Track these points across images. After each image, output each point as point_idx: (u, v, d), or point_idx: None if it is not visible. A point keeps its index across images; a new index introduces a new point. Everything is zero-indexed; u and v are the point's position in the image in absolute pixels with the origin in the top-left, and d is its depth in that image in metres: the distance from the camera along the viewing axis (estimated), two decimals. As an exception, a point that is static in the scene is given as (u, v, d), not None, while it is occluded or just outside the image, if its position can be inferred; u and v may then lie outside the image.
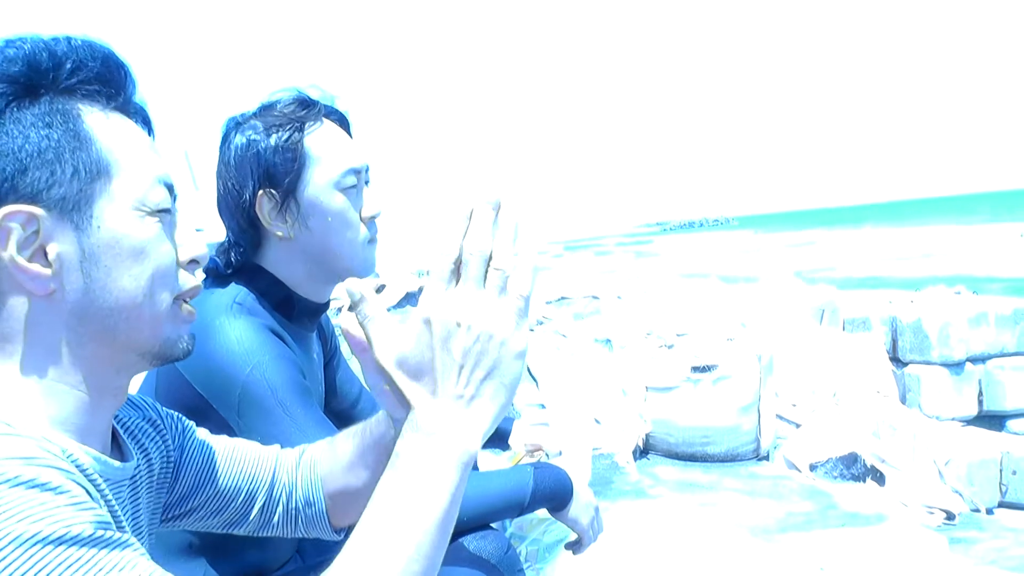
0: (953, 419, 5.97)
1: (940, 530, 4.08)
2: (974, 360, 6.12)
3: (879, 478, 4.70)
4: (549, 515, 1.64)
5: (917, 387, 6.09)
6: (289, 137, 1.43)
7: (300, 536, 1.11)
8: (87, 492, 0.68)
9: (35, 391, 0.77)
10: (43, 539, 0.61)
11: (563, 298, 6.29)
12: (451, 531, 0.76)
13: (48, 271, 0.76)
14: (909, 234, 45.59)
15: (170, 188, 0.85)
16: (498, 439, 1.89)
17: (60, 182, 0.76)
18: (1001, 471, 5.11)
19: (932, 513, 4.36)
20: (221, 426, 1.31)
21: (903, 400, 6.09)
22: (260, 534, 1.09)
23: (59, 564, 0.61)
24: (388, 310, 5.36)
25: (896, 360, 6.26)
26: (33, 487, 0.63)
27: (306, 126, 1.45)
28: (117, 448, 0.88)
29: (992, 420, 6.09)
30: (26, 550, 0.60)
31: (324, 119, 1.49)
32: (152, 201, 0.82)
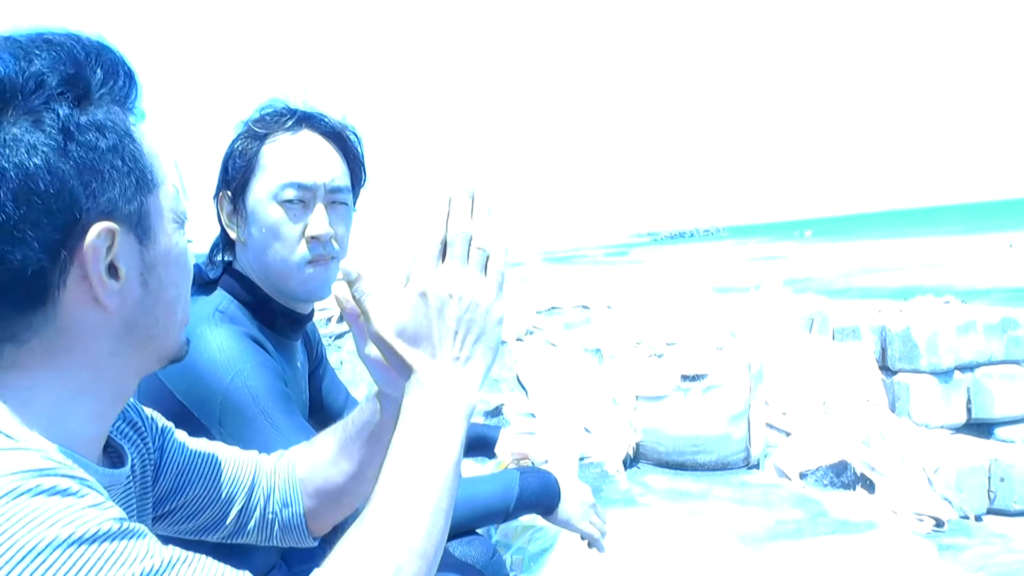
0: (942, 427, 6.00)
1: (929, 537, 4.08)
2: (962, 368, 6.15)
3: (869, 486, 4.71)
4: (536, 523, 1.64)
5: (906, 395, 6.11)
6: (248, 144, 1.44)
7: (276, 544, 1.10)
8: (99, 493, 0.69)
9: (57, 402, 0.75)
10: (77, 539, 0.62)
11: (553, 308, 6.29)
12: (459, 476, 0.83)
13: (117, 285, 0.76)
14: (898, 245, 45.78)
15: None
16: (485, 447, 1.88)
17: (130, 197, 0.76)
18: (989, 478, 5.13)
19: (922, 520, 4.36)
20: (203, 435, 1.31)
21: (892, 408, 6.11)
22: (234, 540, 1.09)
23: (97, 560, 0.62)
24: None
25: (885, 369, 6.28)
26: (55, 494, 0.64)
27: (271, 135, 1.44)
28: (106, 452, 0.88)
29: (980, 428, 6.12)
30: (64, 551, 0.61)
31: (308, 131, 1.46)
32: (180, 209, 0.84)
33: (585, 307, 6.29)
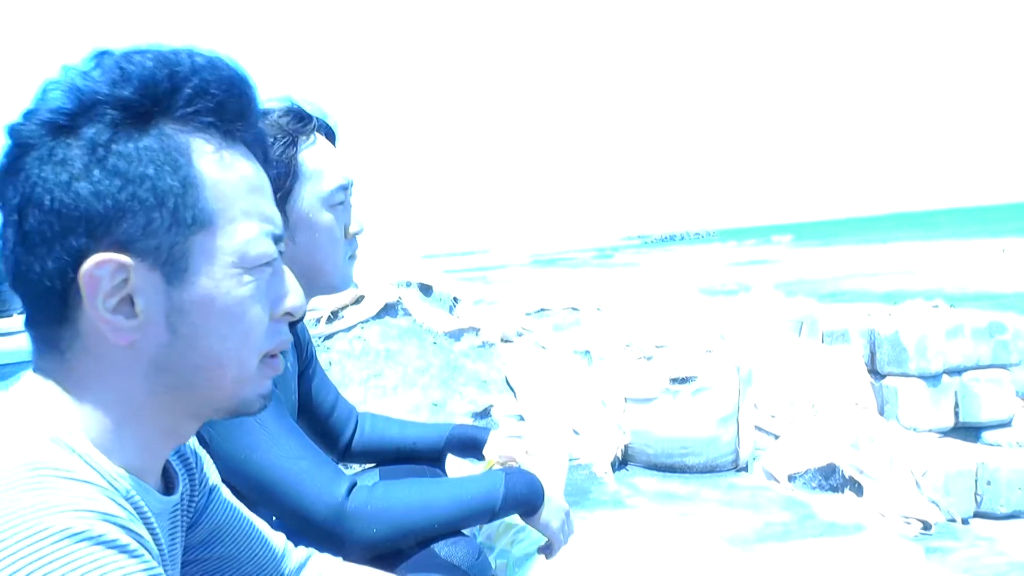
0: (930, 430, 6.03)
1: (917, 540, 4.10)
2: (951, 372, 6.19)
3: (857, 489, 4.72)
4: (519, 524, 1.64)
5: (895, 399, 6.14)
6: (283, 152, 1.42)
7: None
8: (150, 552, 0.67)
9: (106, 429, 0.74)
10: None
11: (543, 309, 6.30)
12: None
13: (132, 322, 0.72)
14: (890, 249, 45.95)
15: (277, 238, 0.80)
16: (473, 449, 1.88)
17: (156, 231, 0.71)
18: (976, 482, 5.15)
19: (909, 523, 4.38)
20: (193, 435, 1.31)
21: (881, 412, 6.13)
22: None
23: None
24: (368, 321, 5.35)
25: (874, 372, 6.31)
26: (112, 547, 0.62)
27: (300, 141, 1.45)
28: (164, 478, 0.86)
29: (968, 431, 6.15)
30: None
31: (316, 133, 1.49)
32: (252, 256, 0.77)
33: (574, 309, 6.30)
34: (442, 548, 1.40)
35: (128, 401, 0.75)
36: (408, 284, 5.83)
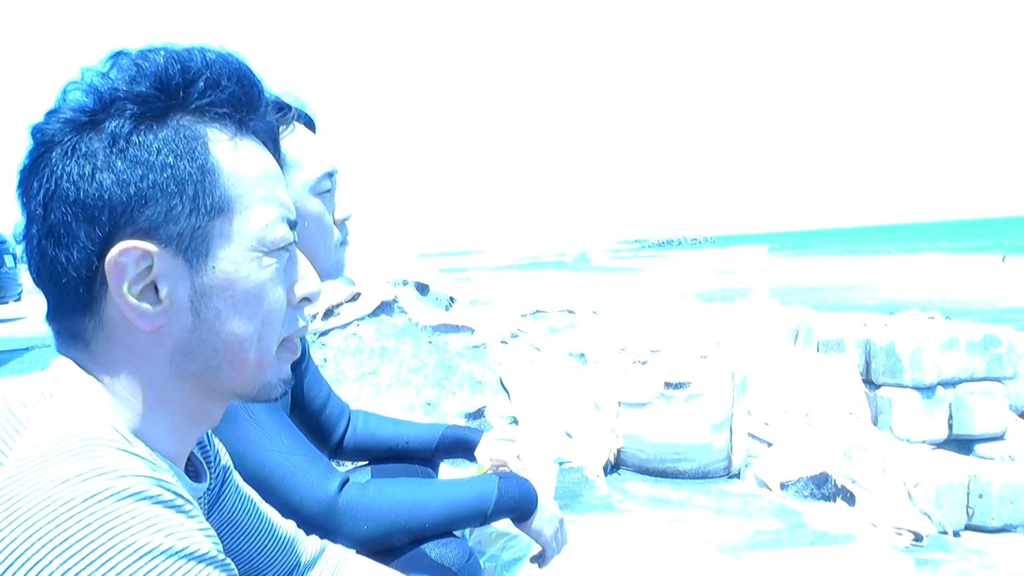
0: (923, 442, 6.04)
1: (907, 551, 4.10)
2: (945, 384, 6.20)
3: (849, 498, 4.72)
4: (510, 530, 1.63)
5: (889, 409, 6.14)
6: None
7: None
8: (202, 516, 0.70)
9: (135, 415, 0.75)
10: (189, 555, 0.63)
11: (538, 311, 6.29)
12: None
13: (157, 308, 0.74)
14: (888, 260, 46.01)
15: (292, 224, 0.82)
16: (465, 450, 1.88)
17: (178, 218, 0.74)
18: (968, 494, 5.16)
19: (900, 534, 4.38)
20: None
21: (875, 422, 6.14)
22: None
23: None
24: (364, 319, 5.34)
25: (869, 382, 6.32)
26: (170, 507, 0.65)
27: (280, 130, 1.45)
28: (191, 467, 0.88)
29: (961, 444, 6.17)
30: (175, 561, 0.62)
31: (295, 123, 1.48)
32: (270, 239, 0.79)
33: (570, 312, 6.29)
34: (433, 549, 1.39)
35: (155, 387, 0.76)
36: (405, 283, 5.83)
